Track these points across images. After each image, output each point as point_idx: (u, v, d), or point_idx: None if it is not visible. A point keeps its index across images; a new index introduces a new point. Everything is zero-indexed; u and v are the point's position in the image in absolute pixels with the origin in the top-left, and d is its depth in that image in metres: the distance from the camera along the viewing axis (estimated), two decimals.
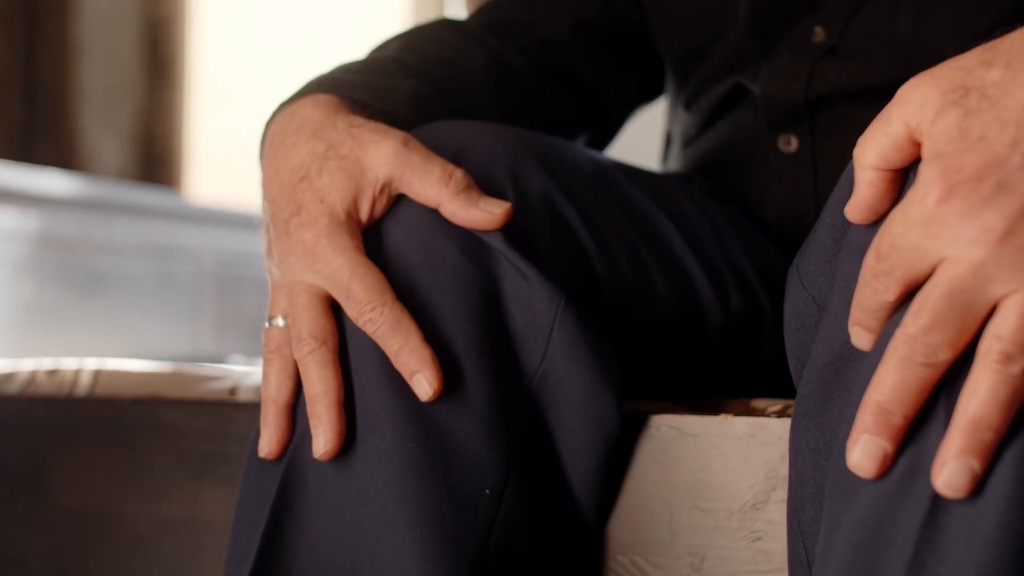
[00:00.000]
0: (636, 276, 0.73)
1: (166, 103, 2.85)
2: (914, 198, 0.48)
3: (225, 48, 2.99)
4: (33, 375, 0.95)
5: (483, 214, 0.65)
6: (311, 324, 0.65)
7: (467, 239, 0.66)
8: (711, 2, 0.89)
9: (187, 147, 2.87)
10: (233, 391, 0.87)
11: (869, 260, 0.50)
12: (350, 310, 0.64)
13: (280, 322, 0.68)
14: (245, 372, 0.90)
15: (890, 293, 0.49)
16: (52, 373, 0.94)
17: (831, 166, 0.82)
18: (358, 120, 0.69)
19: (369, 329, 0.63)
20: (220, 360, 1.73)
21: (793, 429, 0.59)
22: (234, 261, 2.27)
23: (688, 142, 0.94)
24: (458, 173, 0.66)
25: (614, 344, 0.69)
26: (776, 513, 0.66)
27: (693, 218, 0.80)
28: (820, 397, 0.56)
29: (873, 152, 0.51)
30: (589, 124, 0.95)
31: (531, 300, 0.65)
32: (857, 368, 0.54)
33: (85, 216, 1.98)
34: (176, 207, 2.25)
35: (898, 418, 0.48)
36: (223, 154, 2.93)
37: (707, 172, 0.91)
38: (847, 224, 0.56)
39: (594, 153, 0.79)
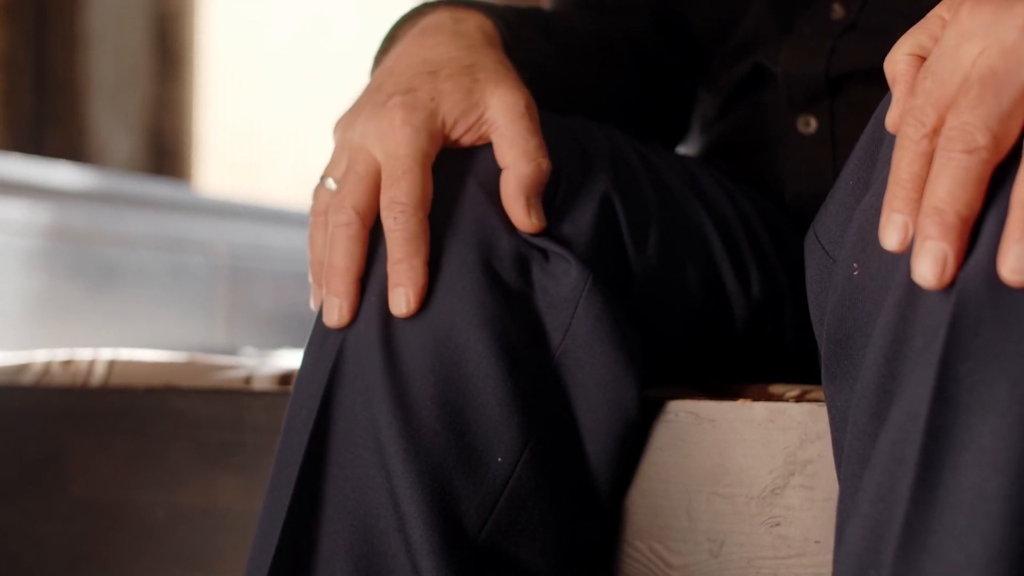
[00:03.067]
0: (667, 266, 0.73)
1: (176, 95, 2.85)
2: (948, 28, 0.50)
3: (234, 40, 2.99)
4: (48, 366, 0.95)
5: (522, 213, 0.66)
6: (356, 195, 0.66)
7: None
8: None
9: (197, 139, 2.87)
10: (248, 380, 0.87)
11: (906, 105, 0.51)
12: (385, 198, 0.65)
13: (331, 184, 0.69)
14: (260, 362, 0.90)
15: (927, 123, 0.49)
16: (67, 364, 0.94)
17: (850, 146, 0.82)
18: (510, 64, 0.71)
19: (389, 225, 0.64)
20: (232, 352, 1.73)
21: (826, 390, 0.59)
22: (246, 253, 2.27)
23: (707, 124, 0.94)
24: (544, 164, 0.67)
25: (639, 331, 0.69)
26: (795, 498, 0.66)
27: (722, 203, 0.80)
28: (835, 348, 0.56)
29: (908, 42, 0.53)
30: (670, 121, 0.97)
31: (559, 276, 0.66)
32: (862, 309, 0.54)
33: (96, 208, 1.98)
34: (187, 199, 2.25)
35: (951, 216, 0.47)
36: (233, 146, 2.93)
37: (725, 154, 0.91)
38: (867, 181, 0.56)
39: (631, 138, 0.79)
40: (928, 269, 0.47)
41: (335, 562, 0.63)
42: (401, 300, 0.64)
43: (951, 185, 0.47)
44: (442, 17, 0.74)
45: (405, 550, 0.62)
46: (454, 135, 0.68)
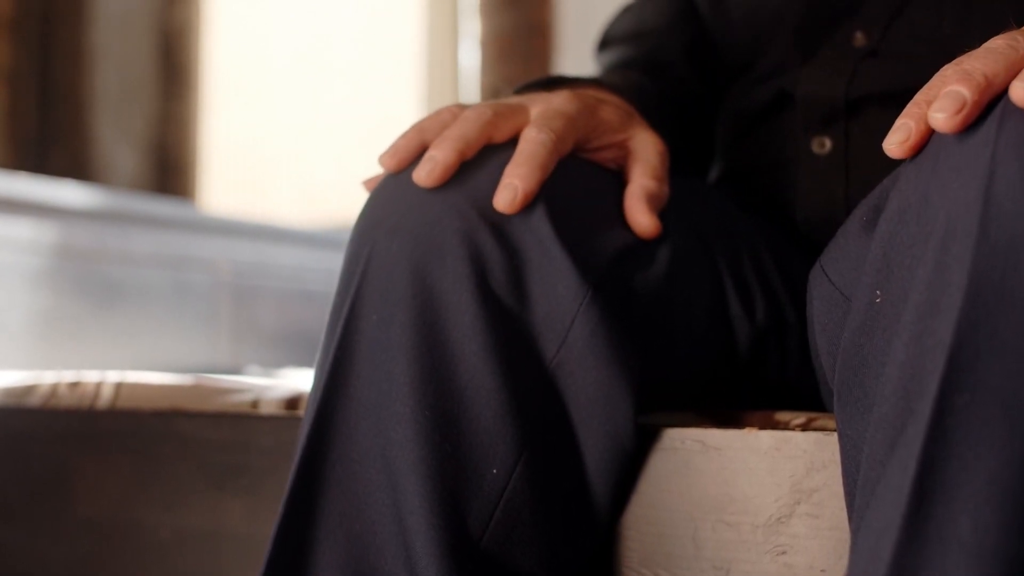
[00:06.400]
0: (672, 288, 0.74)
1: (180, 111, 2.86)
2: None
3: (238, 56, 3.00)
4: (55, 387, 0.95)
5: (643, 216, 0.70)
6: (500, 113, 0.69)
7: (510, 218, 0.67)
8: (760, 16, 0.91)
9: (201, 156, 2.87)
10: (255, 403, 0.87)
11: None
12: (538, 121, 0.69)
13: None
14: (267, 385, 0.90)
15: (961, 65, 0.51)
16: (74, 385, 0.94)
17: (863, 168, 0.83)
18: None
19: (530, 136, 0.68)
20: (236, 371, 1.73)
21: (837, 418, 0.59)
22: (250, 271, 2.27)
23: (725, 149, 0.95)
24: (667, 189, 0.74)
25: (640, 351, 0.70)
26: (801, 527, 0.66)
27: (729, 229, 0.80)
28: (849, 375, 0.56)
29: None
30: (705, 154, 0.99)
31: (557, 287, 0.66)
32: (878, 335, 0.54)
33: (101, 227, 1.99)
34: (191, 217, 2.25)
35: (978, 75, 0.49)
36: (237, 163, 2.93)
37: (740, 177, 0.92)
38: (878, 217, 0.56)
39: None
40: (945, 107, 0.49)
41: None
42: (509, 194, 0.65)
43: (984, 57, 0.49)
44: (597, 89, 0.79)
45: (403, 563, 0.62)
46: (594, 143, 0.73)
